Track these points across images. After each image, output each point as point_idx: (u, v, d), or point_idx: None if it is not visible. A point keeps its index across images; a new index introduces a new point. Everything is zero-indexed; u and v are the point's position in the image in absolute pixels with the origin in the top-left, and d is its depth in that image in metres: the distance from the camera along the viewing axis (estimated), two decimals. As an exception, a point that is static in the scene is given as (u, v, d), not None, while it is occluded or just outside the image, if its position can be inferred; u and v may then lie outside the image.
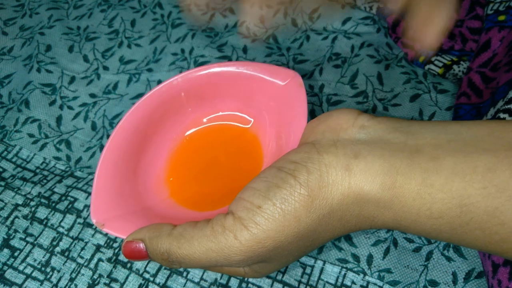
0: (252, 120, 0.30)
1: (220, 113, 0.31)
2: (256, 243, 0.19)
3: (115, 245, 0.32)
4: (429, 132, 0.19)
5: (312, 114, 0.39)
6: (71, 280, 0.31)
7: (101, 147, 0.39)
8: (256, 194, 0.20)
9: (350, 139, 0.20)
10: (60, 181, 0.36)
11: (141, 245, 0.22)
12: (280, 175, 0.20)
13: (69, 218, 0.34)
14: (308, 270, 0.30)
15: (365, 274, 0.30)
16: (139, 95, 0.42)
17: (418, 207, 0.18)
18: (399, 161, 0.19)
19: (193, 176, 0.29)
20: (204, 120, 0.31)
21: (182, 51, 0.45)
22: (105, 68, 0.44)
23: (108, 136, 0.39)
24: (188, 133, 0.31)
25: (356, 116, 0.21)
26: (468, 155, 0.18)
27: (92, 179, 0.30)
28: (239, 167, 0.29)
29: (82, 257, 0.32)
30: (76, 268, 0.32)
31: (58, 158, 0.38)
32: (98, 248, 0.32)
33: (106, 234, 0.33)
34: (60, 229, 0.33)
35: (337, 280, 0.30)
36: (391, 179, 0.19)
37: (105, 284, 0.31)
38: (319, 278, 0.30)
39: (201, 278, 0.30)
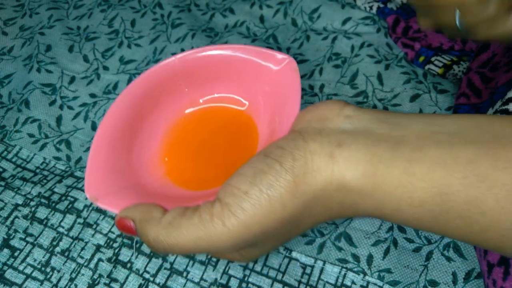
0: (247, 103, 0.30)
1: (215, 95, 0.31)
2: (243, 229, 0.19)
3: (115, 245, 0.32)
4: (415, 123, 0.20)
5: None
6: (71, 280, 0.31)
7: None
8: (243, 180, 0.20)
9: (335, 128, 0.21)
10: (60, 181, 0.36)
11: (132, 224, 0.22)
12: (266, 161, 0.20)
13: (69, 218, 0.34)
14: (308, 270, 0.30)
15: (365, 274, 0.30)
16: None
17: (399, 195, 0.19)
18: (382, 150, 0.19)
19: (189, 155, 0.29)
20: (201, 101, 0.31)
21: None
22: (105, 68, 0.44)
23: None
24: (183, 114, 0.31)
25: (342, 107, 0.22)
26: (452, 147, 0.18)
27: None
28: (234, 147, 0.29)
29: (82, 257, 0.32)
30: (76, 268, 0.32)
31: (58, 158, 0.38)
32: (98, 248, 0.32)
33: (106, 234, 0.33)
34: (60, 229, 0.33)
35: (337, 280, 0.30)
36: (373, 167, 0.19)
37: (105, 284, 0.31)
38: (319, 278, 0.30)
39: (201, 278, 0.30)
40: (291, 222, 0.20)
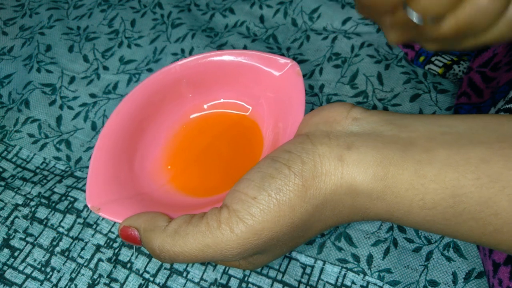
0: (251, 108, 0.30)
1: (218, 101, 0.31)
2: (252, 235, 0.19)
3: (115, 245, 0.32)
4: (423, 125, 0.20)
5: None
6: (71, 280, 0.31)
7: (101, 147, 0.39)
8: (251, 185, 0.20)
9: (343, 130, 0.21)
10: (60, 181, 0.36)
11: (136, 233, 0.22)
12: (274, 166, 0.20)
13: (69, 218, 0.34)
14: (308, 270, 0.30)
15: (365, 274, 0.30)
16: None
17: (411, 197, 0.18)
18: (392, 153, 0.19)
19: (192, 162, 0.29)
20: (205, 106, 0.30)
21: (182, 51, 0.45)
22: (105, 68, 0.44)
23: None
24: (186, 120, 0.31)
25: (349, 109, 0.22)
26: (462, 147, 0.18)
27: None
28: (238, 153, 0.29)
29: (82, 257, 0.32)
30: (76, 268, 0.32)
31: (58, 158, 0.38)
32: (98, 248, 0.32)
33: (106, 234, 0.33)
34: (60, 229, 0.33)
35: (337, 280, 0.30)
36: (384, 170, 0.19)
37: (105, 284, 0.31)
38: (319, 278, 0.30)
39: (201, 278, 0.30)
40: (300, 227, 0.20)
